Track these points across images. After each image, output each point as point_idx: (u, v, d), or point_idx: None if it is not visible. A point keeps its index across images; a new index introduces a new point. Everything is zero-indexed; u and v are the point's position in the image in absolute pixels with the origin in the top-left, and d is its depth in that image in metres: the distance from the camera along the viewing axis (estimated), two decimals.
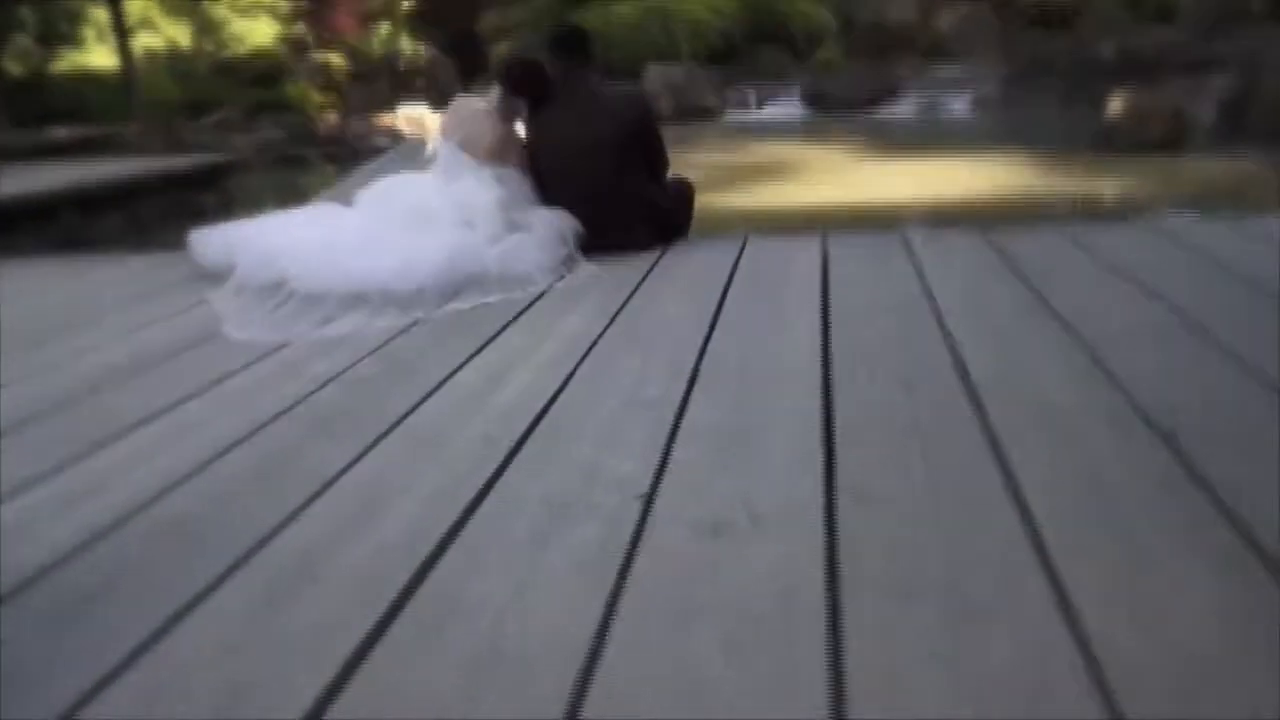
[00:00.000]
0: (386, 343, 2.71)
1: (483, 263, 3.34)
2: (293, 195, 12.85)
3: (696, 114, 19.08)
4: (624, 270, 3.44)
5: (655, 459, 1.77)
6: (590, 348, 2.50)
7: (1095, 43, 19.00)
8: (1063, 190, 8.09)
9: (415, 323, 2.91)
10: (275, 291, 3.28)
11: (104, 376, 2.60)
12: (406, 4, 28.02)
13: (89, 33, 20.96)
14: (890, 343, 2.45)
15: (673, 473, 1.72)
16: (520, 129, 3.85)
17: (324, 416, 2.16)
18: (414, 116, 21.40)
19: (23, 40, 20.25)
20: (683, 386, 2.16)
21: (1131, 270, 3.01)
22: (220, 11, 25.61)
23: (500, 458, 1.84)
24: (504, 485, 1.72)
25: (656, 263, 3.54)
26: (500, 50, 23.22)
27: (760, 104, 19.94)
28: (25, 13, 19.20)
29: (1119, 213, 6.90)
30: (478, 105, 3.87)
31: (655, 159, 3.88)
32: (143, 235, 8.42)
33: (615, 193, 3.73)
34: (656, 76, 19.87)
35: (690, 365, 2.31)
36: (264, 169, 14.43)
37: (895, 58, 21.14)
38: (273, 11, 26.00)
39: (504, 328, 2.77)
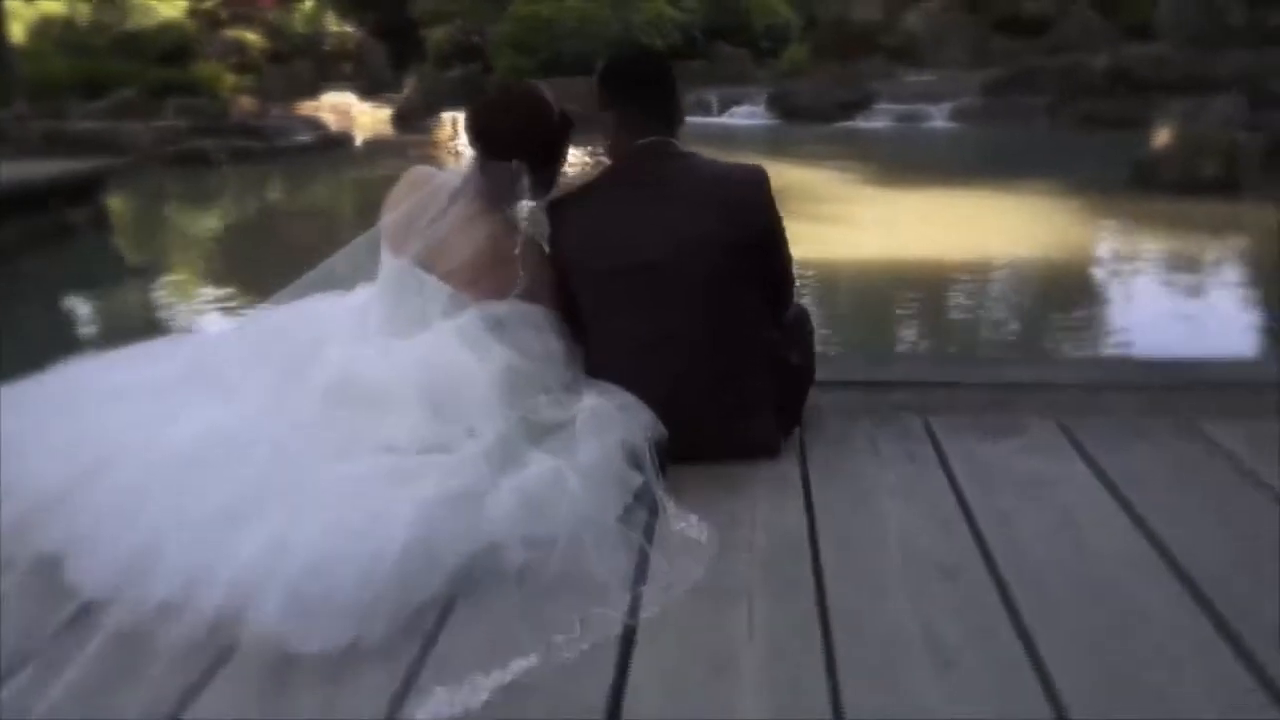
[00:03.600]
0: None
1: (480, 532, 1.65)
2: (186, 211, 10.94)
3: None
4: (754, 538, 1.77)
5: None
6: None
7: (1072, 52, 17.93)
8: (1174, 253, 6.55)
9: None
10: (48, 598, 1.56)
11: None
12: None
13: None
14: None
15: None
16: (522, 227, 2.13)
17: None
18: (340, 105, 19.38)
19: None
20: None
21: None
22: None
23: None
24: None
25: (810, 507, 1.87)
26: (437, 37, 21.19)
27: (723, 110, 18.38)
28: None
29: None
30: (445, 181, 2.14)
31: (780, 278, 2.20)
32: None
33: (722, 348, 2.07)
34: None
35: None
36: (160, 168, 12.32)
37: (861, 58, 19.81)
38: None
39: None
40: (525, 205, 2.22)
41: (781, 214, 2.15)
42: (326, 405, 1.90)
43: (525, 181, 2.10)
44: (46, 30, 20.95)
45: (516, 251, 2.04)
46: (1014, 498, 1.89)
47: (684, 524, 1.77)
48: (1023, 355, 4.01)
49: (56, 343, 5.24)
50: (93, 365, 2.12)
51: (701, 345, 2.05)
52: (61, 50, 19.07)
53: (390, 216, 2.13)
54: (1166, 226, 7.35)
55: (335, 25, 25.92)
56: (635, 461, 1.87)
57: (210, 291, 6.54)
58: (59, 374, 2.06)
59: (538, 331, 2.04)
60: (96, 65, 18.05)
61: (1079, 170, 10.14)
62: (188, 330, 5.25)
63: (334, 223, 9.43)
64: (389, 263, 2.10)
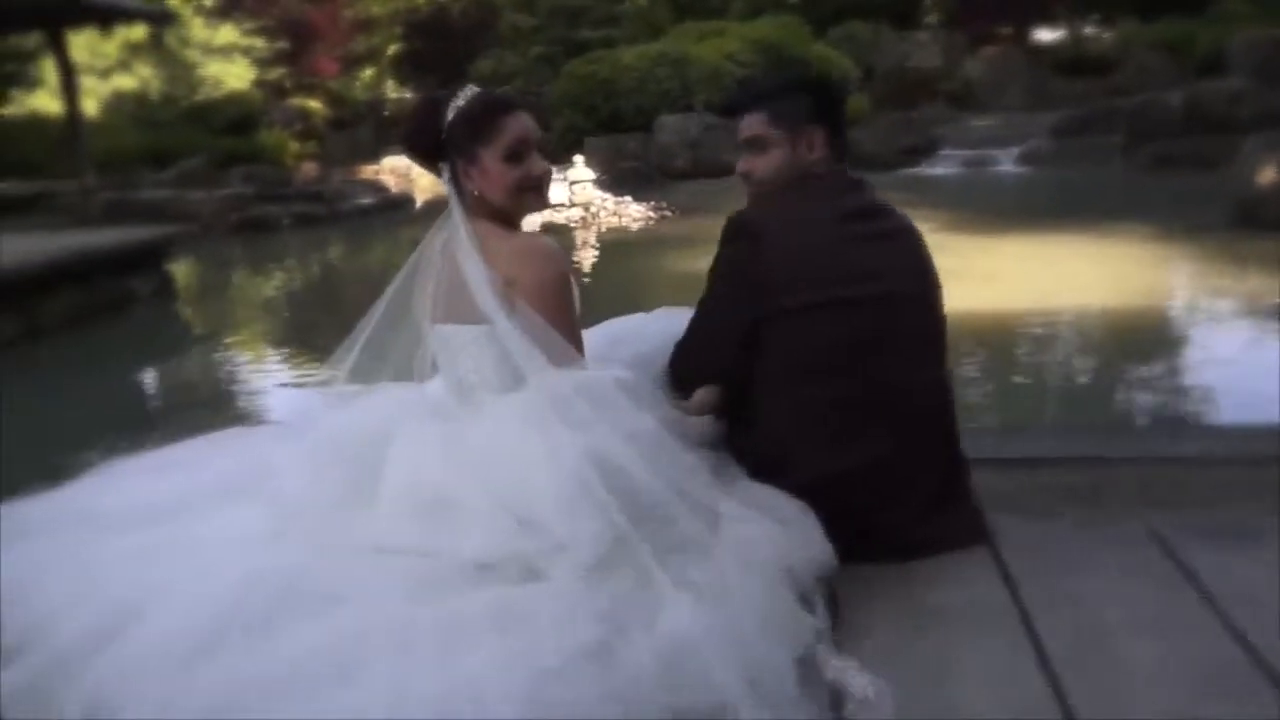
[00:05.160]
0: None
1: (615, 705, 1.23)
2: (250, 277, 10.78)
3: (715, 171, 17.12)
4: (977, 705, 1.33)
5: None
6: None
7: (1137, 92, 17.35)
8: None
9: None
10: None
11: None
12: (393, 48, 26.21)
13: (50, 74, 18.88)
14: None
15: None
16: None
17: None
18: (400, 168, 19.49)
19: None
20: None
21: None
22: (192, 55, 23.65)
23: None
24: None
25: (1044, 655, 1.44)
26: None
27: None
28: None
29: None
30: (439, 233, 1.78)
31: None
32: (39, 345, 6.24)
33: (938, 406, 1.79)
34: (670, 128, 17.89)
35: None
36: (226, 235, 12.31)
37: (922, 105, 19.49)
38: (249, 54, 24.08)
39: None
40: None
41: None
42: (398, 521, 1.52)
43: (448, 177, 1.73)
44: (119, 105, 21.56)
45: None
46: None
47: (875, 688, 1.33)
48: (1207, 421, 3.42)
49: (117, 413, 5.01)
50: (120, 475, 1.76)
51: (921, 400, 1.76)
52: (133, 124, 19.53)
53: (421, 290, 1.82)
54: None
55: (394, 91, 26.37)
56: (802, 596, 1.45)
57: (275, 357, 6.30)
58: (80, 489, 1.71)
59: (635, 404, 1.59)
60: (164, 137, 18.42)
61: (1169, 212, 9.58)
62: (244, 412, 4.96)
63: (390, 281, 9.18)
64: (428, 333, 1.79)
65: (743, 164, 1.87)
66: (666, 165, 17.19)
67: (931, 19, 26.37)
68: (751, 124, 1.85)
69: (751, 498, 1.58)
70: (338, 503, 1.59)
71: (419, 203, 16.11)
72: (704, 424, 1.73)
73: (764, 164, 1.84)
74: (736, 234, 1.79)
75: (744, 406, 1.77)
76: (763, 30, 20.95)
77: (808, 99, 1.85)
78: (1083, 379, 4.46)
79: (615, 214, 12.05)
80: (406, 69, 25.21)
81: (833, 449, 1.67)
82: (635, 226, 11.73)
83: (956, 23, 24.03)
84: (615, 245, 10.53)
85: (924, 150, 17.46)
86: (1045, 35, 25.26)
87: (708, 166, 17.37)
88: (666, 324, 1.95)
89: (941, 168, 16.82)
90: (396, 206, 15.36)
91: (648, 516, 1.48)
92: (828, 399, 1.71)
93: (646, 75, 18.40)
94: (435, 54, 24.00)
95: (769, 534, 1.48)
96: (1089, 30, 24.67)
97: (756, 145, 1.84)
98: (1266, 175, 8.45)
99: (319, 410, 1.81)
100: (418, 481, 1.57)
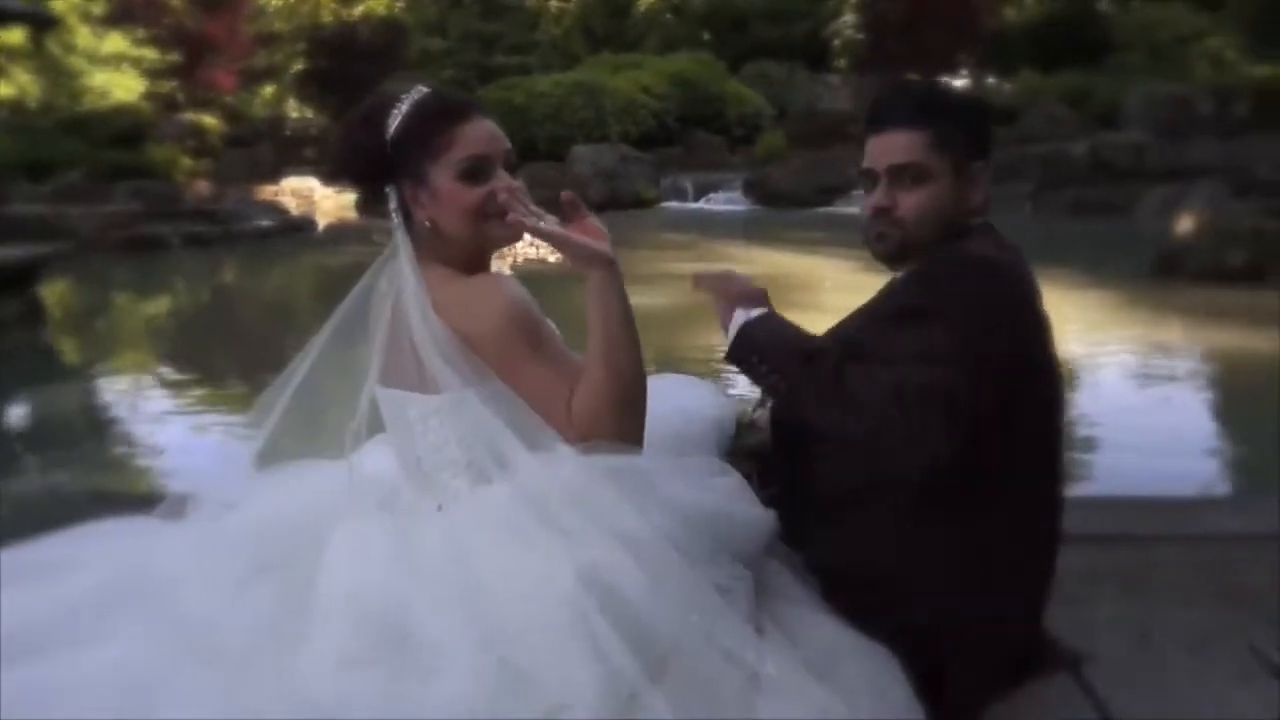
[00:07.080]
0: None
1: None
2: (132, 300, 9.98)
3: (630, 203, 16.90)
4: None
5: None
6: None
7: (1043, 141, 17.89)
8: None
9: None
10: None
11: None
12: (296, 65, 25.28)
13: None
14: None
15: None
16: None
17: None
18: (301, 190, 18.64)
19: None
20: None
21: None
22: (77, 62, 22.33)
23: None
24: None
25: None
26: None
27: (699, 195, 17.96)
28: None
29: None
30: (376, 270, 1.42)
31: None
32: None
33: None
34: (584, 159, 17.59)
35: None
36: (109, 254, 11.40)
37: (835, 148, 19.74)
38: (139, 65, 22.85)
39: None
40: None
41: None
42: (343, 663, 1.07)
43: (394, 207, 1.39)
44: None
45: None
46: None
47: None
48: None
49: None
50: None
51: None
52: (6, 132, 18.21)
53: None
54: (1228, 320, 6.73)
55: (295, 110, 25.40)
56: None
57: (157, 393, 5.63)
58: None
59: (640, 501, 1.19)
60: (42, 147, 17.19)
61: (1088, 260, 9.71)
62: (106, 457, 4.33)
63: (291, 311, 8.60)
64: (376, 397, 1.39)
65: (880, 198, 1.40)
66: (581, 196, 16.88)
67: (841, 63, 26.88)
68: (906, 145, 1.38)
69: (814, 642, 1.17)
70: (261, 630, 1.12)
71: (321, 226, 15.38)
72: (766, 518, 1.30)
73: (917, 202, 1.37)
74: (971, 272, 1.34)
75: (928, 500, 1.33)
76: (678, 65, 20.94)
77: (975, 123, 1.42)
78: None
79: (533, 244, 11.60)
80: (309, 88, 24.32)
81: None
82: (553, 258, 11.29)
83: (864, 68, 24.51)
84: (533, 278, 10.08)
85: (839, 189, 17.57)
86: (950, 85, 26.03)
87: (623, 198, 17.12)
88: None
89: (855, 206, 16.94)
90: (297, 229, 14.62)
91: (661, 663, 1.07)
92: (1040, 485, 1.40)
93: (562, 104, 18.08)
94: (340, 74, 23.22)
95: (828, 710, 1.09)
96: (990, 80, 25.48)
97: (909, 175, 1.38)
98: (1183, 226, 8.56)
99: (229, 493, 1.34)
100: (367, 603, 1.12)
